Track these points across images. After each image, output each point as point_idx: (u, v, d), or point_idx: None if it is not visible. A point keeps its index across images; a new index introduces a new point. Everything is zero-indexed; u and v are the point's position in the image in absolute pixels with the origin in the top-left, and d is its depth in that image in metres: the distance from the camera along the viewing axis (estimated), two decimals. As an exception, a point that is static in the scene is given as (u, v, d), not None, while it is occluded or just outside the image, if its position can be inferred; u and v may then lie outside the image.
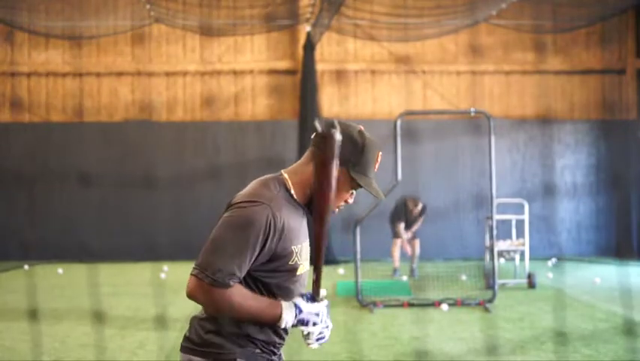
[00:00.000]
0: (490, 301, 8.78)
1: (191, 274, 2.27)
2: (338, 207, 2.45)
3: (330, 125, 2.25)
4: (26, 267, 12.95)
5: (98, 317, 8.10)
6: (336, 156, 2.25)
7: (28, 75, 14.58)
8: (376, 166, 2.43)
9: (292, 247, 2.38)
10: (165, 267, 12.29)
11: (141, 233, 13.70)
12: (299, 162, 2.47)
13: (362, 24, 13.99)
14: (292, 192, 2.41)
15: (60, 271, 12.26)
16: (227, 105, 14.69)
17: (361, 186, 2.38)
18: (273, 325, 2.38)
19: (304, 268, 2.46)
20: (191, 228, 13.45)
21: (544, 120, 14.77)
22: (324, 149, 2.25)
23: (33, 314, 8.19)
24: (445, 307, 8.56)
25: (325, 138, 2.24)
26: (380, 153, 2.43)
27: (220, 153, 14.19)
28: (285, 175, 2.46)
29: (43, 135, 14.18)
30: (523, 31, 14.40)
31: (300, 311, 2.38)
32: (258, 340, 2.41)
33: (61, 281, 11.29)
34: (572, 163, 14.73)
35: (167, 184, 13.08)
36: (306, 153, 2.45)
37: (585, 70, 14.98)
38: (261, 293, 2.36)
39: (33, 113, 14.57)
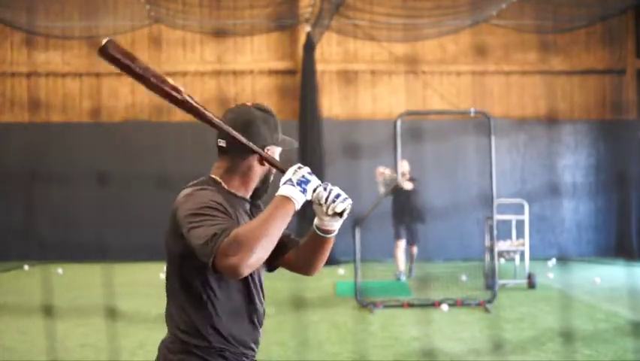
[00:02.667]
0: (490, 301, 8.78)
1: (215, 263, 2.08)
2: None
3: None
4: (26, 267, 12.95)
5: (98, 317, 8.10)
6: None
7: (28, 75, 14.57)
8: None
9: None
10: (165, 267, 12.26)
11: (141, 233, 13.67)
12: (220, 162, 2.47)
13: (362, 24, 13.98)
14: (223, 184, 2.41)
15: (60, 271, 12.25)
16: (227, 106, 14.67)
17: (286, 147, 2.55)
18: (288, 217, 2.26)
19: None
20: (191, 228, 13.43)
21: (545, 120, 14.76)
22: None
23: (33, 314, 8.18)
24: (445, 307, 8.56)
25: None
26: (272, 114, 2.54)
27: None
28: (214, 177, 2.44)
29: (43, 135, 14.17)
30: (524, 31, 14.39)
31: (291, 180, 2.26)
32: (228, 351, 2.35)
33: (61, 281, 11.28)
34: (572, 163, 14.72)
35: (167, 184, 13.06)
36: (226, 160, 2.45)
37: (585, 70, 14.97)
38: (200, 291, 2.30)
39: (33, 113, 14.56)
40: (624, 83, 14.96)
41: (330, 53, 14.73)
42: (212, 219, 2.17)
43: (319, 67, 14.26)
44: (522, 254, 10.91)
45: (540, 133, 14.67)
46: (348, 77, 14.74)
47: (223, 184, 2.41)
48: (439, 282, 10.57)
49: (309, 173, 2.30)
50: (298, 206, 2.24)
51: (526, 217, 11.11)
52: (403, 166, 10.73)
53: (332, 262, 13.00)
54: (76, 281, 11.19)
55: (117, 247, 13.27)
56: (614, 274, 11.65)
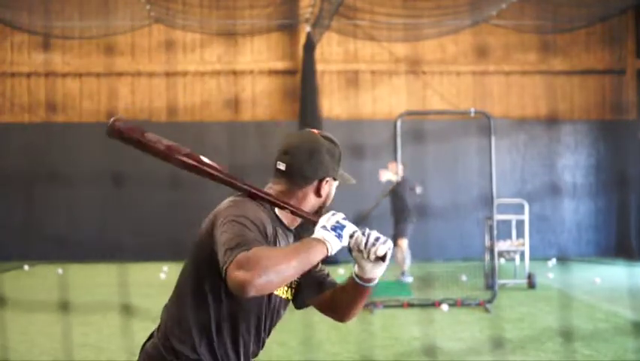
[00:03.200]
0: (490, 301, 8.78)
1: (227, 272, 2.00)
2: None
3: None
4: (26, 267, 12.95)
5: (98, 317, 8.09)
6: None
7: (28, 75, 14.58)
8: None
9: None
10: (165, 267, 12.28)
11: (141, 233, 13.69)
12: (277, 188, 2.36)
13: (362, 24, 13.98)
14: (277, 212, 2.33)
15: (60, 271, 12.25)
16: (228, 106, 14.68)
17: (345, 182, 2.40)
18: (320, 258, 2.13)
19: (281, 292, 2.37)
20: (190, 228, 13.41)
21: (545, 121, 14.77)
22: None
23: (33, 314, 8.18)
24: (445, 307, 8.56)
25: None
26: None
27: (220, 153, 14.17)
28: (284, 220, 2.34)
29: (43, 135, 14.17)
30: (524, 31, 14.39)
31: (324, 226, 2.14)
32: None
33: (61, 281, 11.27)
34: (572, 163, 14.72)
35: (167, 184, 13.06)
36: (284, 181, 2.34)
37: (585, 70, 14.97)
38: (210, 300, 2.24)
39: (33, 114, 14.56)
40: (624, 83, 14.96)
41: (331, 53, 14.73)
42: (243, 230, 2.10)
43: (319, 67, 14.26)
44: (522, 254, 10.91)
45: (540, 133, 14.67)
46: (348, 78, 14.74)
47: (277, 212, 2.33)
48: (439, 282, 10.57)
49: (343, 218, 2.19)
50: (332, 251, 2.11)
51: (526, 217, 11.11)
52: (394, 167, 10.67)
53: (332, 261, 13.01)
54: (76, 281, 11.18)
55: (117, 247, 13.26)
56: (614, 274, 11.65)
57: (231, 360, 2.28)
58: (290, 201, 2.30)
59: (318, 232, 2.13)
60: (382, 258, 2.20)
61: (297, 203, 2.31)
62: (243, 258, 1.96)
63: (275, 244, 2.21)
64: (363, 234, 2.19)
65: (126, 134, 2.37)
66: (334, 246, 2.12)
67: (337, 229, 2.14)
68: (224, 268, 2.01)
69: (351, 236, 2.18)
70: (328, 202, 2.36)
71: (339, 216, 2.18)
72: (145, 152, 2.40)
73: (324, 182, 2.31)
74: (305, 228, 2.37)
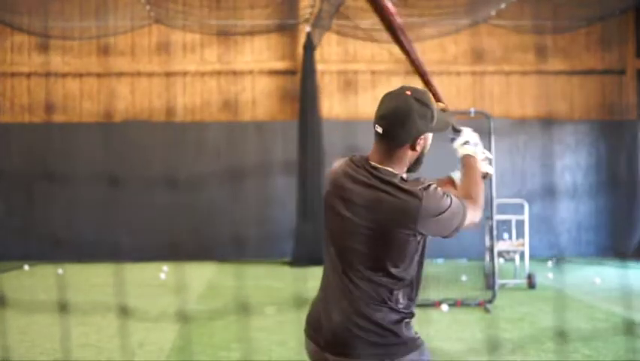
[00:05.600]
0: (490, 301, 8.78)
1: (463, 227, 2.61)
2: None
3: None
4: (26, 267, 12.95)
5: (98, 317, 8.09)
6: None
7: (28, 75, 14.58)
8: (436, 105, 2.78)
9: None
10: (165, 267, 12.28)
11: (142, 233, 13.70)
12: (388, 154, 2.62)
13: (362, 25, 13.98)
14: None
15: (60, 271, 12.25)
16: (227, 106, 14.69)
17: (443, 131, 2.83)
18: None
19: None
20: (190, 228, 13.45)
21: (545, 121, 14.77)
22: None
23: (33, 314, 8.18)
24: (445, 307, 8.56)
25: None
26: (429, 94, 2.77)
27: (219, 153, 14.18)
28: (391, 170, 2.61)
29: (43, 135, 14.17)
30: (523, 31, 14.39)
31: (467, 142, 2.90)
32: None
33: (60, 281, 11.28)
34: (572, 163, 14.72)
35: (167, 185, 13.08)
36: (385, 146, 2.62)
37: (585, 70, 14.98)
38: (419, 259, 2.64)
39: (33, 114, 14.57)
40: (624, 84, 14.96)
41: (330, 53, 14.73)
42: (451, 204, 2.56)
43: (319, 67, 14.26)
44: (522, 254, 10.91)
45: (540, 133, 14.67)
46: (348, 78, 14.75)
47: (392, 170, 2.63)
48: (439, 282, 10.58)
49: (477, 137, 2.91)
50: (477, 162, 2.87)
51: (526, 217, 11.11)
52: None
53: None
54: (76, 281, 11.19)
55: (117, 247, 13.28)
56: (614, 275, 11.65)
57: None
58: (393, 160, 2.61)
59: (472, 149, 2.90)
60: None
61: (399, 160, 2.61)
62: (470, 212, 2.63)
63: None
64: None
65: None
66: (480, 158, 2.89)
67: (474, 145, 2.93)
68: (460, 227, 2.61)
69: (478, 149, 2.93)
70: (425, 151, 2.71)
71: (475, 135, 2.91)
72: (381, 18, 2.79)
73: (417, 140, 2.62)
74: (409, 171, 2.70)
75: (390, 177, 2.55)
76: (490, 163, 2.90)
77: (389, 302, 2.52)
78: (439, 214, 2.51)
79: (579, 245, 14.51)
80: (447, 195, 2.55)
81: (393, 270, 2.52)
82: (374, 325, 2.50)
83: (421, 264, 2.63)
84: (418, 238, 2.55)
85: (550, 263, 13.12)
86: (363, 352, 2.49)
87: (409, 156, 2.63)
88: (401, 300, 2.55)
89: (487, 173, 2.87)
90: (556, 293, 9.90)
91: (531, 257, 11.47)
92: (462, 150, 2.85)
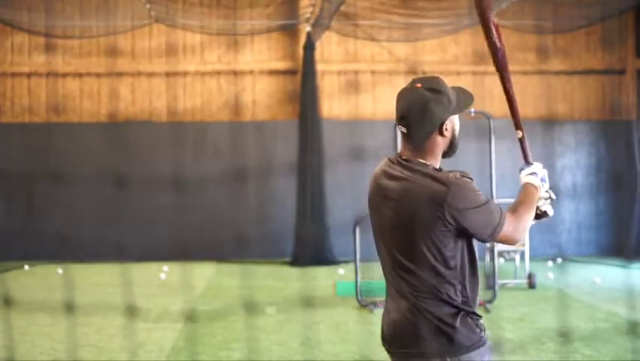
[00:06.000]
0: (491, 301, 8.78)
1: (500, 235, 2.60)
2: None
3: None
4: (26, 267, 12.95)
5: (98, 317, 8.09)
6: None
7: (29, 75, 14.58)
8: (448, 84, 2.85)
9: None
10: (165, 267, 12.28)
11: (141, 233, 13.70)
12: (419, 146, 2.65)
13: (362, 24, 13.98)
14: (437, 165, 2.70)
15: (60, 271, 12.26)
16: (228, 106, 14.69)
17: (464, 110, 2.85)
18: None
19: None
20: (191, 228, 13.45)
21: (545, 121, 14.76)
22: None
23: (33, 314, 8.18)
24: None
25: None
26: (442, 78, 2.88)
27: (220, 153, 14.19)
28: (423, 161, 2.65)
29: (44, 135, 14.17)
30: (523, 31, 14.38)
31: (537, 174, 2.84)
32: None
33: (60, 281, 11.28)
34: (572, 163, 14.72)
35: (167, 185, 13.08)
36: (414, 145, 2.65)
37: (585, 70, 14.97)
38: (463, 257, 2.59)
39: (33, 114, 14.56)
40: (624, 84, 14.96)
41: (331, 53, 14.73)
42: (490, 206, 2.58)
43: (319, 67, 14.26)
44: (522, 254, 10.91)
45: (540, 133, 14.67)
46: (348, 78, 14.74)
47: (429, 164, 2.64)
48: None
49: (542, 169, 2.87)
50: (540, 194, 2.84)
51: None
52: None
53: (332, 262, 13.01)
54: (76, 281, 11.19)
55: (117, 248, 13.28)
56: (614, 275, 11.65)
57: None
58: (427, 154, 2.65)
59: (535, 180, 2.82)
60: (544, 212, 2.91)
61: (430, 151, 2.65)
62: (510, 226, 2.62)
63: None
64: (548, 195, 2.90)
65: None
66: (543, 191, 2.85)
67: (544, 181, 2.85)
68: (496, 233, 2.58)
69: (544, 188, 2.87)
70: (456, 134, 2.74)
71: (545, 171, 2.86)
72: (485, 27, 3.01)
73: (443, 127, 2.64)
74: (445, 156, 2.76)
75: (421, 167, 2.59)
76: (552, 205, 2.90)
77: (441, 296, 2.51)
78: (471, 208, 2.50)
79: (579, 245, 14.50)
80: (482, 194, 2.55)
81: (435, 263, 2.51)
82: (428, 320, 2.51)
83: (470, 261, 2.59)
84: (450, 227, 2.50)
85: (550, 263, 13.11)
86: (421, 348, 2.50)
87: (440, 143, 2.66)
88: (453, 295, 2.52)
89: (545, 212, 2.88)
90: (556, 293, 9.90)
91: (531, 257, 11.47)
92: (526, 179, 2.82)
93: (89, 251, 13.45)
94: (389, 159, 2.67)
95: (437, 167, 2.65)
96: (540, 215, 2.86)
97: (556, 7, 13.48)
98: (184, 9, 13.74)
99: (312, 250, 13.16)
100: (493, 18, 2.90)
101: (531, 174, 2.81)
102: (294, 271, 12.48)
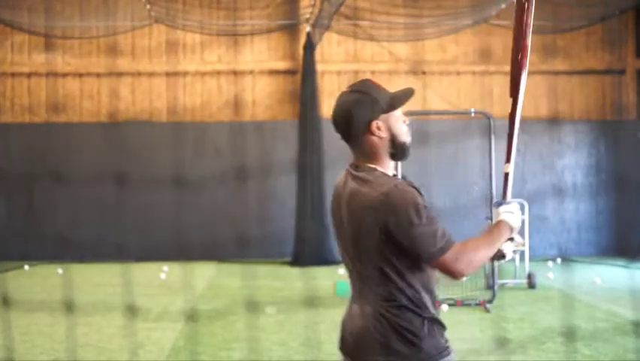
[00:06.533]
0: (490, 301, 8.78)
1: (438, 260, 2.41)
2: (407, 133, 2.69)
3: None
4: (26, 267, 12.95)
5: (98, 317, 8.10)
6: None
7: (29, 75, 14.58)
8: (383, 86, 2.68)
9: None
10: (165, 267, 12.28)
11: (141, 233, 13.70)
12: (361, 152, 2.57)
13: (362, 24, 13.99)
14: (387, 171, 2.59)
15: (60, 271, 12.26)
16: (228, 106, 14.69)
17: (396, 107, 2.68)
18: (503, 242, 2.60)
19: None
20: (191, 228, 13.45)
21: (545, 121, 14.77)
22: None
23: (33, 314, 8.19)
24: (444, 307, 8.56)
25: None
26: (375, 81, 2.68)
27: (220, 153, 14.19)
28: (372, 166, 2.56)
29: (44, 135, 14.17)
30: (524, 31, 14.37)
31: (514, 214, 2.63)
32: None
33: (60, 281, 11.28)
34: (572, 163, 14.72)
35: (167, 185, 13.08)
36: (359, 148, 2.57)
37: (585, 70, 14.98)
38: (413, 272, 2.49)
39: (33, 114, 14.57)
40: (624, 84, 14.96)
41: (331, 53, 14.73)
42: (432, 221, 2.44)
43: (319, 67, 14.26)
44: (522, 254, 10.91)
45: (540, 133, 14.67)
46: (348, 78, 14.73)
47: (380, 169, 2.56)
48: (439, 282, 10.55)
49: (519, 210, 2.69)
50: (512, 235, 2.61)
51: (526, 217, 11.11)
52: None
53: (332, 262, 13.01)
54: (76, 281, 11.19)
55: (117, 248, 13.29)
56: (614, 274, 11.66)
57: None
58: (368, 156, 2.56)
59: (512, 219, 2.61)
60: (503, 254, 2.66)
61: (372, 154, 2.56)
62: (461, 255, 2.42)
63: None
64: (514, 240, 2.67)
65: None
66: (515, 233, 2.61)
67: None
68: (439, 256, 2.40)
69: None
70: (399, 134, 2.62)
71: (520, 214, 2.67)
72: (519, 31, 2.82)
73: (374, 127, 2.54)
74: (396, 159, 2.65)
75: (367, 173, 2.52)
76: (515, 252, 2.75)
77: (401, 302, 2.45)
78: (405, 221, 2.37)
79: (579, 245, 14.51)
80: (427, 212, 2.41)
81: (387, 270, 2.44)
82: (394, 327, 2.44)
83: (421, 268, 2.49)
84: (387, 236, 2.41)
85: (550, 263, 13.11)
86: (387, 356, 2.42)
87: (377, 144, 2.55)
88: (411, 302, 2.47)
89: (504, 254, 2.64)
90: (556, 293, 9.90)
91: (531, 257, 11.47)
92: (505, 216, 2.62)
93: (89, 251, 13.46)
94: (348, 166, 2.62)
95: (388, 171, 2.56)
96: (498, 256, 2.63)
97: (557, 7, 13.48)
98: (184, 9, 13.75)
99: (312, 250, 13.16)
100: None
101: (510, 212, 2.63)
102: (294, 271, 12.48)
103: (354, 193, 2.50)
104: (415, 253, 2.41)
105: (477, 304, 8.77)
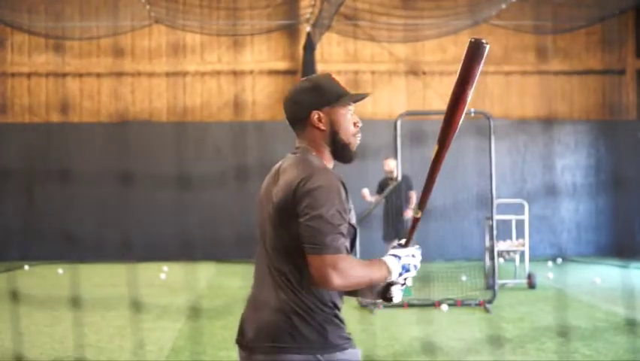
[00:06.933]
0: (490, 301, 8.78)
1: (315, 257, 2.25)
2: (355, 136, 2.55)
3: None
4: (26, 267, 12.96)
5: (98, 317, 8.10)
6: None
7: (29, 76, 14.59)
8: (340, 82, 2.56)
9: (351, 208, 2.45)
10: (165, 267, 12.29)
11: (141, 233, 13.70)
12: (303, 138, 2.55)
13: (362, 25, 13.99)
14: (325, 162, 2.51)
15: (60, 271, 12.27)
16: (228, 106, 14.70)
17: (349, 106, 2.50)
18: (380, 282, 2.46)
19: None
20: (191, 228, 13.45)
21: (544, 121, 14.78)
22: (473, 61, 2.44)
23: (32, 315, 8.19)
24: (444, 307, 8.57)
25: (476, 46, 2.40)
26: (331, 74, 2.57)
27: (220, 153, 14.20)
28: (310, 150, 2.52)
29: (44, 135, 14.18)
30: (523, 31, 14.40)
31: (400, 258, 2.45)
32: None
33: (61, 281, 11.29)
34: (572, 164, 14.73)
35: (167, 185, 13.09)
36: (302, 131, 2.55)
37: (585, 70, 14.99)
38: None
39: (33, 114, 14.57)
40: (624, 84, 14.97)
41: (331, 53, 14.74)
42: (332, 216, 2.28)
43: (319, 67, 14.26)
44: (522, 254, 10.91)
45: (540, 133, 14.68)
46: (348, 78, 14.75)
47: (324, 162, 2.49)
48: (439, 282, 10.58)
49: (415, 266, 2.48)
50: (388, 280, 2.45)
51: (526, 217, 11.12)
52: (389, 164, 10.62)
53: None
54: (76, 281, 11.19)
55: (118, 247, 13.29)
56: (614, 274, 11.66)
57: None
58: (308, 143, 2.53)
59: (393, 263, 2.43)
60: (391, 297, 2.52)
61: (312, 142, 2.52)
62: (339, 265, 2.25)
63: (347, 202, 2.40)
64: (401, 285, 2.52)
65: (478, 58, 2.46)
66: (392, 278, 2.44)
67: (404, 270, 2.46)
68: (314, 254, 2.25)
69: (407, 271, 2.47)
70: (342, 131, 2.50)
71: (416, 261, 2.48)
72: (467, 73, 2.49)
73: (314, 117, 2.48)
74: (342, 160, 2.56)
75: (302, 153, 2.49)
76: (394, 296, 2.51)
77: (305, 290, 2.35)
78: (312, 205, 2.27)
79: (579, 245, 14.52)
80: (339, 210, 2.28)
81: (296, 256, 2.33)
82: (299, 314, 2.35)
83: None
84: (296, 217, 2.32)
85: (550, 263, 13.12)
86: (291, 343, 2.33)
87: (316, 136, 2.49)
88: (316, 292, 2.36)
89: (392, 297, 2.50)
90: (556, 293, 9.90)
91: (531, 257, 11.48)
92: (387, 258, 2.45)
93: (89, 251, 13.46)
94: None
95: (328, 164, 2.50)
96: (386, 297, 2.52)
97: (556, 8, 13.50)
98: (184, 10, 13.75)
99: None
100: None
101: (396, 256, 2.44)
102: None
103: (282, 171, 2.46)
104: (302, 240, 2.27)
105: (477, 305, 8.78)
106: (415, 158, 12.25)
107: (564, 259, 13.68)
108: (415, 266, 2.48)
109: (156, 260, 13.08)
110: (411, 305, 8.72)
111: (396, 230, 11.36)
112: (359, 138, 2.55)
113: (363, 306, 8.70)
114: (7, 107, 14.56)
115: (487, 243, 10.19)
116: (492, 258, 9.38)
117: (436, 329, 7.45)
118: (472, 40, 2.39)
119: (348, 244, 2.34)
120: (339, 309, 2.44)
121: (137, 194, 13.51)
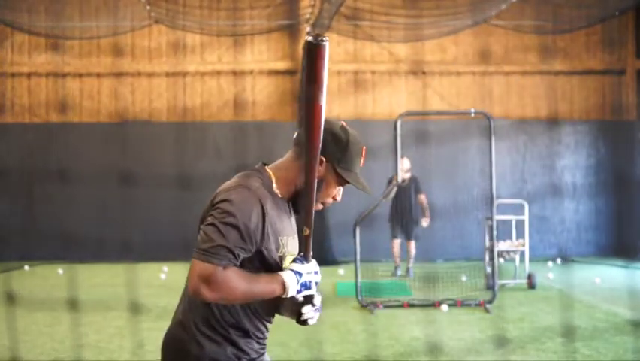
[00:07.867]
0: (490, 301, 8.78)
1: (194, 260, 2.18)
2: (324, 203, 2.45)
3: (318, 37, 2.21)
4: (26, 267, 12.95)
5: (98, 317, 8.10)
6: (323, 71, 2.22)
7: (29, 76, 14.59)
8: (362, 161, 2.43)
9: (279, 238, 2.33)
10: (165, 267, 12.28)
11: (141, 233, 13.68)
12: (284, 158, 2.45)
13: (362, 25, 13.99)
14: (274, 186, 2.37)
15: (60, 271, 12.26)
16: (228, 106, 14.70)
17: (348, 182, 2.40)
18: (277, 298, 2.31)
19: (289, 261, 2.39)
20: (191, 228, 13.41)
21: (545, 121, 14.78)
22: (315, 59, 2.20)
23: (33, 315, 8.19)
24: (444, 307, 8.56)
25: (315, 46, 2.19)
26: (364, 148, 2.43)
27: (220, 153, 14.19)
28: (269, 170, 2.41)
29: (44, 135, 14.18)
30: (523, 32, 14.40)
31: (301, 275, 2.33)
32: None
33: (61, 281, 11.29)
34: (572, 164, 14.73)
35: (167, 185, 13.08)
36: (291, 152, 2.45)
37: (585, 71, 14.98)
38: None
39: (33, 114, 14.57)
40: (624, 84, 14.97)
41: (331, 53, 14.63)
42: (228, 232, 2.19)
43: (319, 67, 14.24)
44: (522, 254, 10.91)
45: (540, 133, 14.68)
46: (348, 78, 14.75)
47: (275, 185, 2.37)
48: (439, 282, 10.58)
49: (316, 283, 2.39)
50: (284, 295, 2.30)
51: (526, 217, 11.11)
52: (404, 163, 10.75)
53: (332, 262, 13.02)
54: (76, 281, 11.19)
55: (118, 247, 13.28)
56: (614, 274, 11.66)
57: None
58: (285, 161, 2.41)
59: (291, 278, 2.28)
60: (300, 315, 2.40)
61: (290, 170, 2.39)
62: (212, 276, 2.14)
63: (269, 221, 2.27)
64: (311, 305, 2.40)
65: (318, 56, 2.22)
66: (289, 294, 2.29)
67: (304, 287, 2.35)
68: (195, 258, 2.17)
69: (307, 288, 2.36)
70: (321, 189, 2.38)
71: (316, 278, 2.38)
72: (311, 72, 2.25)
73: (320, 161, 2.34)
74: (296, 207, 2.43)
75: (252, 170, 2.38)
76: (308, 318, 2.43)
77: (208, 310, 2.32)
78: (214, 215, 2.22)
79: (579, 245, 14.51)
80: (242, 220, 2.18)
81: None
82: (180, 327, 2.39)
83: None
84: None
85: (550, 263, 13.12)
86: (170, 356, 2.37)
87: (297, 173, 2.36)
88: (218, 313, 2.31)
89: (306, 320, 2.42)
90: (556, 293, 9.90)
91: (531, 257, 11.48)
92: (285, 273, 2.31)
93: (89, 251, 13.46)
94: None
95: (277, 192, 2.36)
96: (300, 320, 2.42)
97: (556, 8, 13.49)
98: (184, 10, 13.75)
99: (312, 249, 13.16)
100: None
101: (296, 272, 2.31)
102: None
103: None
104: (199, 241, 2.22)
105: (477, 305, 8.77)
106: (416, 158, 12.25)
107: (564, 260, 13.68)
108: (317, 283, 2.37)
109: (156, 260, 13.07)
110: (411, 305, 8.72)
111: (407, 230, 11.44)
112: (321, 207, 2.46)
113: (363, 306, 8.70)
114: (6, 107, 14.56)
115: (487, 243, 10.19)
116: (492, 258, 9.38)
117: (436, 329, 7.44)
118: (307, 40, 2.22)
119: (237, 262, 2.20)
120: (237, 328, 2.32)
121: (136, 194, 13.48)
